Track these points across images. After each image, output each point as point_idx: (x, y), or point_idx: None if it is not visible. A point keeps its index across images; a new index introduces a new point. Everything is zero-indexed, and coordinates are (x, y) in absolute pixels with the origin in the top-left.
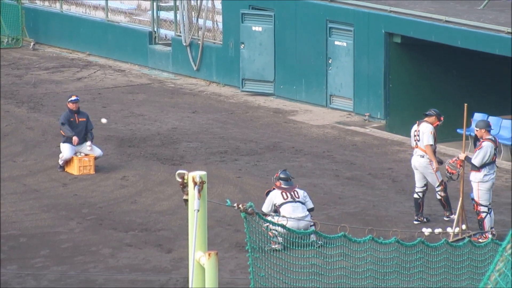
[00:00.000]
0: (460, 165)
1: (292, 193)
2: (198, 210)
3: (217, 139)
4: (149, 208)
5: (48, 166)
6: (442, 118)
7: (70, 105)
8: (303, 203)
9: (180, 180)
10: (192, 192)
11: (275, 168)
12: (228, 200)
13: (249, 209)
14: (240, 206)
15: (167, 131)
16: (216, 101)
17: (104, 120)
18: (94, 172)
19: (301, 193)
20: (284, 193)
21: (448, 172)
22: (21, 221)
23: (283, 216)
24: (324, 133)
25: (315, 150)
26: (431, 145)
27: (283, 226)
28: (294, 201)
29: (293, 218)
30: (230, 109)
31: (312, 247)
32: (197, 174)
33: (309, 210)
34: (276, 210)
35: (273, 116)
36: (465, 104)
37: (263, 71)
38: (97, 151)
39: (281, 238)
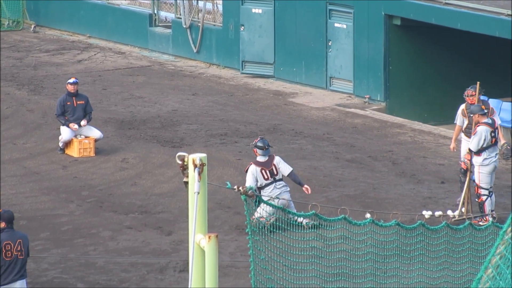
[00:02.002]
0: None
1: (271, 170)
2: (198, 193)
3: (217, 121)
4: (149, 191)
5: (48, 149)
6: (466, 92)
7: (69, 87)
8: (281, 179)
9: (180, 162)
10: (192, 175)
11: (275, 150)
12: (228, 183)
13: (249, 192)
14: (240, 188)
15: (167, 113)
16: (216, 83)
17: (83, 122)
18: (94, 155)
19: (277, 161)
20: (263, 172)
21: (462, 169)
22: (21, 203)
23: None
24: (324, 116)
25: (315, 132)
26: (456, 123)
27: (283, 209)
28: (274, 180)
29: (277, 198)
30: (230, 91)
31: (302, 230)
32: (197, 156)
33: (289, 175)
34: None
35: (273, 98)
36: (478, 82)
37: (263, 53)
38: (97, 133)
39: (274, 217)
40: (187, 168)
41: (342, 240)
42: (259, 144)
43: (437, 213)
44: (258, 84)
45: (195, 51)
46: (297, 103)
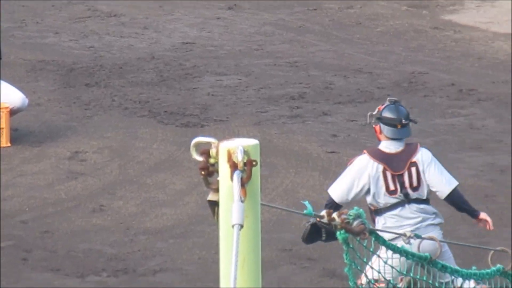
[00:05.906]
0: None
1: (405, 175)
2: (242, 226)
3: (283, 66)
4: (132, 223)
5: None
6: None
7: None
8: (425, 201)
9: (201, 159)
10: (228, 185)
11: (417, 132)
12: (307, 203)
13: (355, 224)
14: (335, 216)
15: (172, 51)
16: None
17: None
18: (9, 144)
19: (423, 158)
20: (387, 175)
21: None
22: None
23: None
24: None
25: (493, 91)
26: None
27: (429, 262)
28: (407, 199)
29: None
30: None
31: None
32: (240, 147)
33: (450, 196)
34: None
35: (411, 15)
36: None
37: None
38: (16, 98)
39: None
40: (216, 171)
41: None
42: (387, 114)
43: None
44: None
45: None
46: (460, 24)
